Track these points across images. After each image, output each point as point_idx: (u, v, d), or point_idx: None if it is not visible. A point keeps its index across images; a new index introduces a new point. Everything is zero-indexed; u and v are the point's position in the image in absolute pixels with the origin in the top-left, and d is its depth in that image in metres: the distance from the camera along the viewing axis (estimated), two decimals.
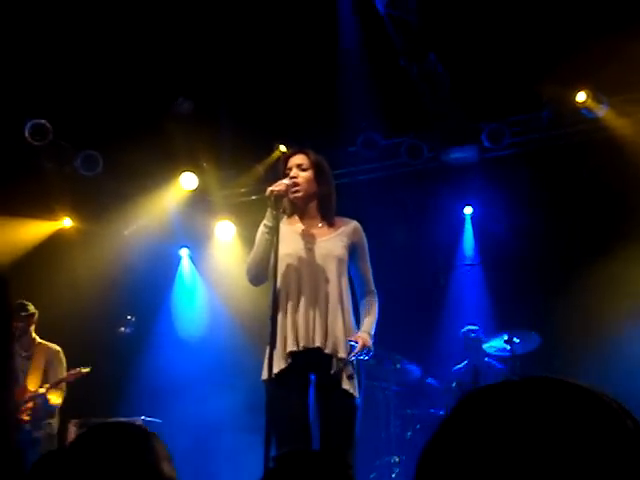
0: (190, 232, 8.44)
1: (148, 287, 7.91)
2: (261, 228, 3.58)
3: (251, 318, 6.83)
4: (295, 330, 3.43)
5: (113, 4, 6.17)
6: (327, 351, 3.41)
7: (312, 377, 3.49)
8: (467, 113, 7.13)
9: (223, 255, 8.36)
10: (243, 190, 8.16)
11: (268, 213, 3.54)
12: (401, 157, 7.43)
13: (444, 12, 6.27)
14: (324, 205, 3.69)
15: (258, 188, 7.46)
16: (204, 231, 8.45)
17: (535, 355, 6.11)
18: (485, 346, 6.37)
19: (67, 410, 6.23)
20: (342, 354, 3.40)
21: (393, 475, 6.11)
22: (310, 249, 3.57)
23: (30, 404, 5.92)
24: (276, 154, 7.53)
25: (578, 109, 6.80)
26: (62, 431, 6.18)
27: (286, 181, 3.58)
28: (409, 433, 6.39)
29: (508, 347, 5.96)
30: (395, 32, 6.16)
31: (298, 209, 3.70)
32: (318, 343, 3.41)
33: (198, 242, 8.55)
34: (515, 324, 6.00)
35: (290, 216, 3.72)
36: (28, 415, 5.89)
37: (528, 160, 7.22)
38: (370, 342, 3.48)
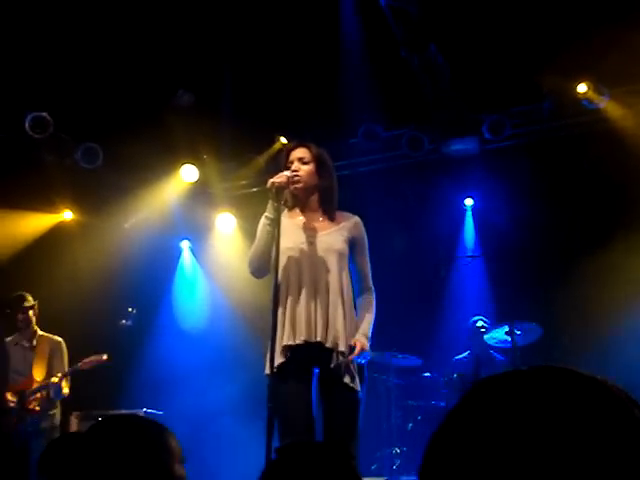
0: (191, 224, 8.45)
1: (149, 279, 7.92)
2: (262, 220, 3.57)
3: (252, 310, 6.84)
4: (296, 324, 3.43)
5: None
6: (328, 345, 3.41)
7: (316, 370, 3.49)
8: (468, 104, 7.12)
9: (224, 247, 8.37)
10: (244, 182, 8.16)
11: (269, 205, 3.53)
12: (402, 149, 7.42)
13: (445, 3, 6.26)
14: (325, 198, 3.67)
15: (259, 180, 7.45)
16: (205, 223, 8.46)
17: (535, 346, 6.11)
18: (486, 337, 6.37)
19: (68, 402, 6.25)
20: (343, 348, 3.39)
21: (394, 466, 6.14)
22: (311, 242, 3.55)
23: (38, 394, 5.94)
24: (277, 146, 7.52)
25: (579, 100, 6.79)
26: (64, 423, 6.21)
27: (287, 173, 3.56)
28: (410, 424, 6.41)
29: (509, 339, 5.97)
30: (396, 23, 6.15)
31: (299, 202, 3.68)
32: (319, 337, 3.40)
33: (199, 234, 8.56)
34: (516, 315, 6.00)
35: (291, 209, 3.70)
36: (38, 405, 5.91)
37: (529, 151, 7.21)
38: (367, 345, 3.46)
